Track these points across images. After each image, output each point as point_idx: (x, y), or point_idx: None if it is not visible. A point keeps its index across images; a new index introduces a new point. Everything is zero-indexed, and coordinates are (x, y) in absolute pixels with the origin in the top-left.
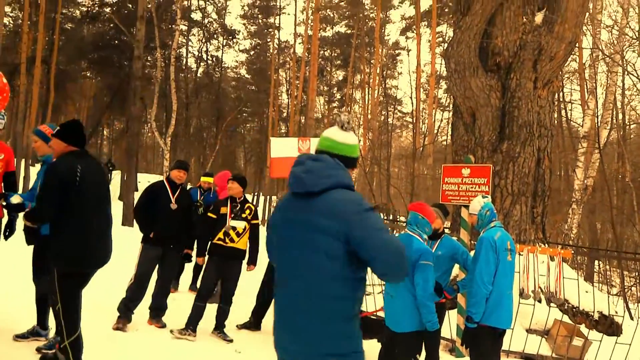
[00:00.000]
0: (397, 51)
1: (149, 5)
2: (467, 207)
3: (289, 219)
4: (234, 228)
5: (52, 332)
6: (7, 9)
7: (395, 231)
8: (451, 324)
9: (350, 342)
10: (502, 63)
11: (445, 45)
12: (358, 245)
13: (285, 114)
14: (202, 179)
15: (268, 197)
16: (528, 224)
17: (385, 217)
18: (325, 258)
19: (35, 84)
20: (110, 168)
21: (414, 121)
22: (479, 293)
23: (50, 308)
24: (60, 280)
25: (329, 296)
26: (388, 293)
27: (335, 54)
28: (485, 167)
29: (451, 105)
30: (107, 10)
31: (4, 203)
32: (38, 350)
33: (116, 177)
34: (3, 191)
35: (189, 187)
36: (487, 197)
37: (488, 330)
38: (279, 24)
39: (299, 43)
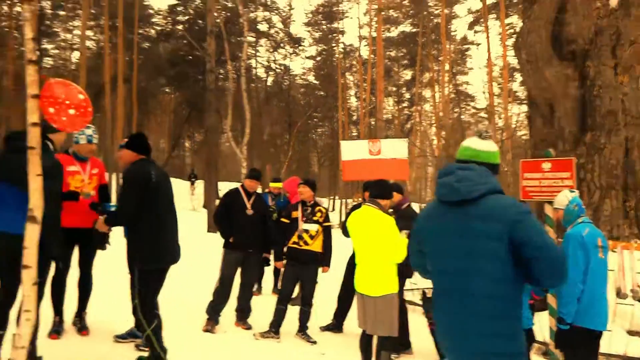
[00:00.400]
0: (465, 46)
1: (218, 20)
2: (550, 203)
3: (443, 227)
4: (307, 231)
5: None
6: (90, 33)
7: None
8: (543, 327)
9: (517, 342)
10: (577, 51)
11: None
12: (521, 245)
13: (355, 117)
14: (271, 184)
15: (344, 200)
16: (621, 219)
17: None
18: (488, 261)
19: (119, 102)
20: (193, 179)
21: (489, 117)
22: (568, 293)
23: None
24: (140, 276)
25: (495, 297)
26: None
27: (402, 54)
28: (568, 160)
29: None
30: (180, 27)
31: (102, 211)
32: (137, 347)
33: (199, 187)
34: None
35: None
36: (574, 191)
37: (582, 332)
38: (343, 28)
39: (364, 45)
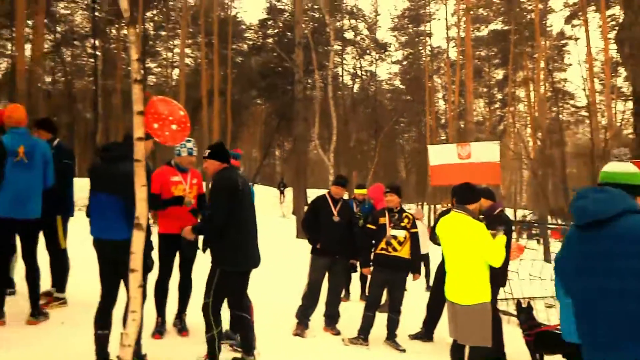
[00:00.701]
0: (562, 41)
1: (305, 32)
2: None
3: (582, 252)
4: (394, 237)
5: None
6: (188, 50)
7: None
8: None
9: None
10: None
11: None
12: None
13: (443, 121)
14: (356, 191)
15: (432, 206)
16: None
17: (563, 223)
18: (635, 279)
19: (215, 114)
20: (283, 188)
21: (590, 115)
22: None
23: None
24: (219, 277)
25: None
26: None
27: (493, 53)
28: None
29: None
30: (270, 41)
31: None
32: (232, 347)
33: (289, 194)
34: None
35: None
36: None
37: None
38: (430, 30)
39: (452, 46)
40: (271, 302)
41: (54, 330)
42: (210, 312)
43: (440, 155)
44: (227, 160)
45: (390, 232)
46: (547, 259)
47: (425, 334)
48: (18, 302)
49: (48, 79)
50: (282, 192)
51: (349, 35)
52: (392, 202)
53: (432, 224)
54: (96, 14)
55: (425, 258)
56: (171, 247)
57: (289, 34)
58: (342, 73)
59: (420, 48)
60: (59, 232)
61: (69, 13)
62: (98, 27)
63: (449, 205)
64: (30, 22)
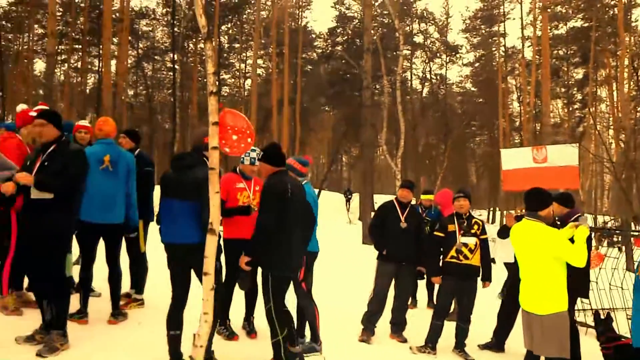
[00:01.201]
0: None
1: (374, 38)
2: None
3: None
4: (465, 245)
5: (307, 338)
6: (260, 61)
7: None
8: None
9: None
10: None
11: None
12: None
13: (517, 123)
14: (422, 196)
15: (504, 212)
16: None
17: None
18: None
19: (284, 122)
20: (349, 195)
21: None
22: None
23: (306, 317)
24: (272, 283)
25: None
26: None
27: (572, 51)
28: None
29: None
30: (339, 48)
31: None
32: (302, 351)
33: (355, 200)
34: None
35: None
36: None
37: None
38: (504, 30)
39: (528, 46)
40: (337, 308)
41: (131, 330)
42: (275, 317)
43: (514, 159)
44: (280, 164)
45: (460, 239)
46: (629, 268)
47: (496, 344)
48: (100, 303)
49: (131, 92)
50: (348, 200)
51: (419, 39)
52: (463, 207)
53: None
54: (175, 29)
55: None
56: (237, 252)
57: (357, 40)
58: (411, 77)
59: (494, 49)
60: (140, 236)
61: (150, 30)
62: (177, 42)
63: (522, 211)
64: (115, 40)
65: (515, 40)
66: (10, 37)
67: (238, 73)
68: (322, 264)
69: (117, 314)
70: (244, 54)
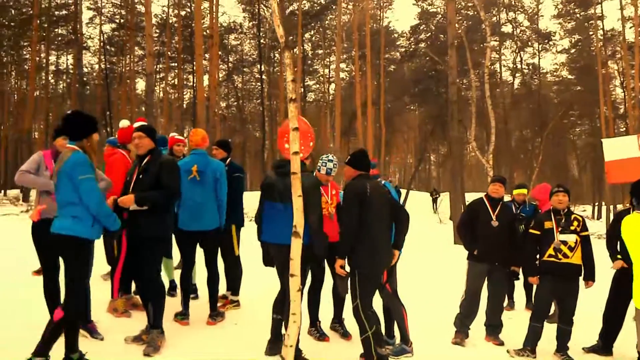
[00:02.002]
0: None
1: (459, 31)
2: None
3: None
4: (564, 243)
5: (397, 340)
6: (343, 65)
7: None
8: None
9: None
10: None
11: None
12: None
13: (621, 110)
14: (515, 191)
15: (611, 206)
16: None
17: None
18: None
19: (369, 124)
20: (436, 196)
21: None
22: None
23: (394, 317)
24: (359, 281)
25: None
26: None
27: None
28: None
29: None
30: (422, 45)
31: None
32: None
33: (445, 199)
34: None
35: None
36: None
37: None
38: (601, 12)
39: (629, 27)
40: (428, 309)
41: (228, 330)
42: (362, 314)
43: (618, 149)
44: (363, 168)
45: (559, 237)
46: None
47: (603, 346)
48: (199, 305)
49: (223, 104)
50: (435, 200)
51: (507, 28)
52: (562, 203)
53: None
54: (261, 41)
55: None
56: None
57: (441, 36)
58: (501, 69)
59: (591, 33)
60: (233, 240)
61: (239, 43)
62: (263, 53)
63: (629, 204)
64: (206, 55)
65: (615, 22)
66: (114, 59)
67: (322, 79)
68: (412, 265)
69: (215, 315)
70: (327, 60)
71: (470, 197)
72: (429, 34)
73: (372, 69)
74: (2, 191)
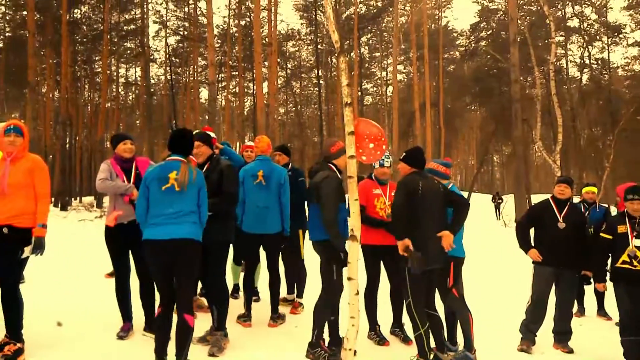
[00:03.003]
0: None
1: (521, 28)
2: None
3: None
4: None
5: (460, 346)
6: (400, 67)
7: None
8: None
9: None
10: None
11: None
12: None
13: None
14: (585, 189)
15: None
16: None
17: None
18: None
19: (427, 125)
20: (499, 201)
21: None
22: None
23: (459, 323)
24: (410, 278)
25: None
26: None
27: None
28: None
29: None
30: (483, 44)
31: None
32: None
33: (509, 202)
34: None
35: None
36: None
37: None
38: None
39: None
40: (493, 315)
41: (290, 332)
42: (414, 311)
43: None
44: (417, 165)
45: (634, 242)
46: None
47: None
48: (261, 307)
49: (282, 110)
50: (497, 207)
51: (573, 22)
52: (637, 211)
53: None
54: (319, 47)
55: None
56: (375, 257)
57: (503, 33)
58: (567, 65)
59: None
60: (300, 244)
61: (296, 50)
62: (320, 59)
63: None
64: (266, 63)
65: None
66: (179, 70)
67: (379, 81)
68: (476, 269)
69: (277, 317)
70: (385, 62)
71: (536, 198)
72: (490, 31)
73: (430, 69)
74: (78, 198)
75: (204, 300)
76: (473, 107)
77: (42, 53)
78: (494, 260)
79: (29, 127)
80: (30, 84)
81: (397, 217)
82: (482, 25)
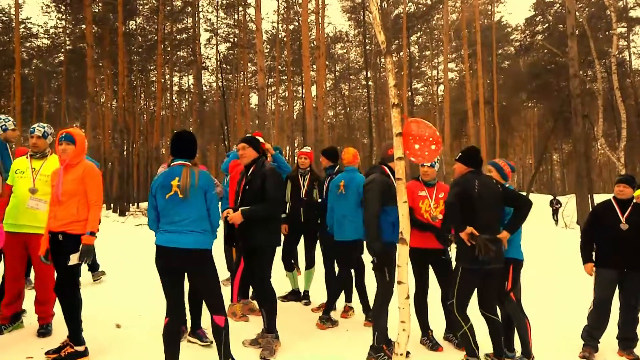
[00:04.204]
0: None
1: (580, 20)
2: None
3: None
4: None
5: (518, 353)
6: (451, 65)
7: None
8: None
9: None
10: None
11: None
12: None
13: None
14: (636, 193)
15: None
16: None
17: None
18: None
19: (481, 124)
20: (557, 206)
21: None
22: None
23: (516, 328)
24: (461, 276)
25: None
26: None
27: None
28: None
29: None
30: (539, 38)
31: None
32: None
33: (570, 203)
34: None
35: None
36: None
37: None
38: None
39: None
40: (552, 321)
41: (341, 335)
42: (456, 311)
43: None
44: (473, 165)
45: None
46: None
47: None
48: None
49: (331, 113)
50: (555, 212)
51: (636, 12)
52: None
53: None
54: (367, 48)
55: None
56: (423, 261)
57: (560, 26)
58: (630, 57)
59: None
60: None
61: (345, 52)
62: (369, 60)
63: None
64: (314, 66)
65: None
66: (229, 76)
67: (430, 80)
68: (535, 273)
69: (326, 320)
70: (435, 61)
71: (599, 198)
72: (546, 25)
73: (483, 66)
74: (135, 203)
75: (255, 304)
76: (530, 104)
77: (100, 64)
78: (552, 263)
79: (89, 136)
80: (90, 95)
81: (451, 216)
82: (537, 18)
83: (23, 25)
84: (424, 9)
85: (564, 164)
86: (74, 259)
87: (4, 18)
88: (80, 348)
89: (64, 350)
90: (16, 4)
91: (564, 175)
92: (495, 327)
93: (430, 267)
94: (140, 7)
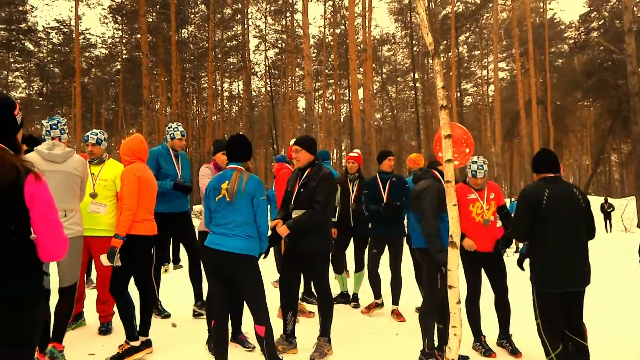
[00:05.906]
0: None
1: (638, 15)
2: None
3: None
4: None
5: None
6: (502, 64)
7: None
8: None
9: None
10: None
11: None
12: None
13: None
14: None
15: None
16: None
17: None
18: None
19: (534, 124)
20: (610, 210)
21: None
22: None
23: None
24: (537, 298)
25: None
26: None
27: None
28: None
29: None
30: (594, 35)
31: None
32: None
33: (630, 204)
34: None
35: None
36: None
37: None
38: None
39: None
40: (612, 332)
41: (391, 339)
42: (543, 334)
43: None
44: (543, 170)
45: None
46: None
47: None
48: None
49: (378, 115)
50: (608, 217)
51: None
52: None
53: None
54: (415, 49)
55: None
56: (474, 265)
57: (617, 22)
58: None
59: None
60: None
61: (392, 54)
62: (416, 61)
63: None
64: (361, 69)
65: None
66: (277, 81)
67: (480, 80)
68: (594, 284)
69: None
70: (485, 60)
71: None
72: (602, 21)
73: (535, 65)
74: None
75: (305, 305)
76: (585, 103)
77: (154, 72)
78: (614, 269)
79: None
80: (145, 102)
81: (517, 233)
82: (592, 15)
83: (82, 36)
84: (473, 8)
85: (623, 164)
86: (103, 260)
87: (65, 30)
88: (135, 343)
89: (121, 347)
90: (76, 16)
91: (623, 177)
92: (582, 351)
93: (482, 271)
94: (192, 16)
